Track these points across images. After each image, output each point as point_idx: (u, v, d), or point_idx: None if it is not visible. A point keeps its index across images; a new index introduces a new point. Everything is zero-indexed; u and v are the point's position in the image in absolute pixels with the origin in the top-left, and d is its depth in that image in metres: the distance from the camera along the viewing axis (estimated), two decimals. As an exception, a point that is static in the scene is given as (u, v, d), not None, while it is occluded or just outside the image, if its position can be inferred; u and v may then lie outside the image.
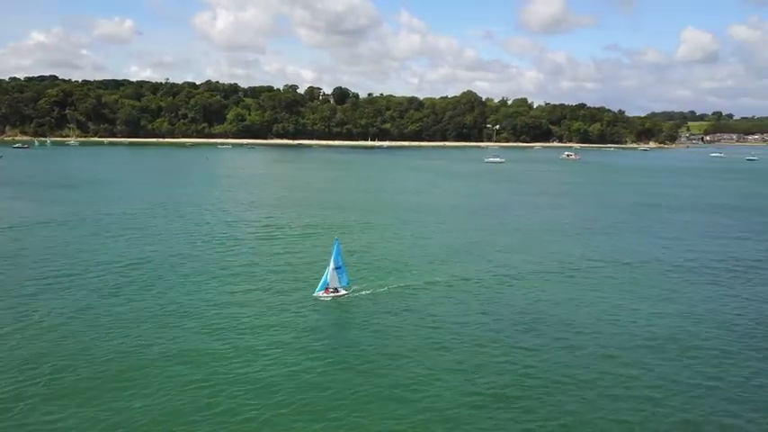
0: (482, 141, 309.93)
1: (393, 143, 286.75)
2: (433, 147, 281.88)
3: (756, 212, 78.37)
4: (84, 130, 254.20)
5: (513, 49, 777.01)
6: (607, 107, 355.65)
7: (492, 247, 51.03)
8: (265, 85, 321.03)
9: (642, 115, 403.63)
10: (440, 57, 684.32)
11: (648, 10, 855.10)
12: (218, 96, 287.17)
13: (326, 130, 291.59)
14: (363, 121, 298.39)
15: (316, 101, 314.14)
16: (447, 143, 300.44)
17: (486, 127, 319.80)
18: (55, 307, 33.07)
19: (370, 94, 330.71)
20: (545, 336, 30.37)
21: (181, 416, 21.85)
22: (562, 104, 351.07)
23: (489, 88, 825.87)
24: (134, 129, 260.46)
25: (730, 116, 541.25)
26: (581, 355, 28.06)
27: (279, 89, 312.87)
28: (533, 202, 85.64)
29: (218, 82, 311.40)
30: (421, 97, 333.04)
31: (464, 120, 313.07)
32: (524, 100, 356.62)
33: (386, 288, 37.48)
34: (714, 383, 25.43)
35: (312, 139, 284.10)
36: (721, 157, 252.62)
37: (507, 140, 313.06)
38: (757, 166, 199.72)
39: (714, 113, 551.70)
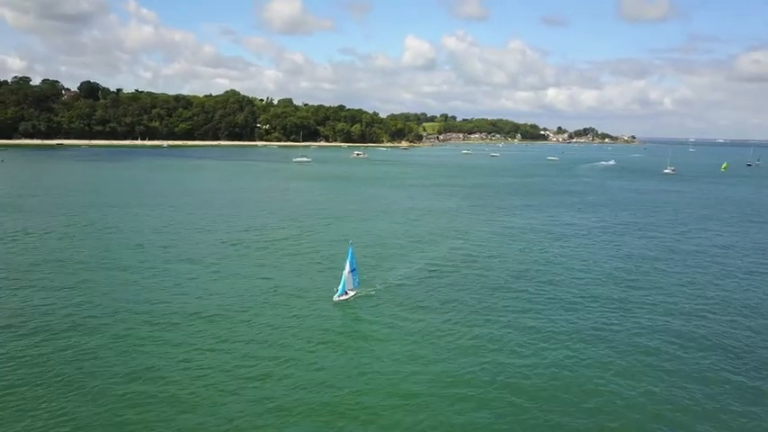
0: (254, 141, 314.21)
1: (173, 143, 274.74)
2: (215, 146, 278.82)
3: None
4: None
5: (252, 48, 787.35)
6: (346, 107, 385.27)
7: (444, 235, 63.32)
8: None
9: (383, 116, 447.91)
10: (176, 51, 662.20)
11: (379, 17, 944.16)
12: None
13: (87, 128, 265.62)
14: (129, 120, 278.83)
15: (64, 96, 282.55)
16: (221, 142, 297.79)
17: (257, 127, 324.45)
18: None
19: (119, 90, 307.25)
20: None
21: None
22: (323, 105, 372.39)
23: (231, 85, 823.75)
24: None
25: (454, 118, 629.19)
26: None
27: (6, 81, 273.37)
28: (403, 194, 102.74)
29: None
30: (189, 95, 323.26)
31: (235, 119, 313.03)
32: (290, 100, 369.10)
33: (379, 282, 43.77)
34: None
35: (70, 138, 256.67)
36: (470, 154, 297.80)
37: (279, 140, 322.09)
38: (509, 162, 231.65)
39: (441, 115, 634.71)
